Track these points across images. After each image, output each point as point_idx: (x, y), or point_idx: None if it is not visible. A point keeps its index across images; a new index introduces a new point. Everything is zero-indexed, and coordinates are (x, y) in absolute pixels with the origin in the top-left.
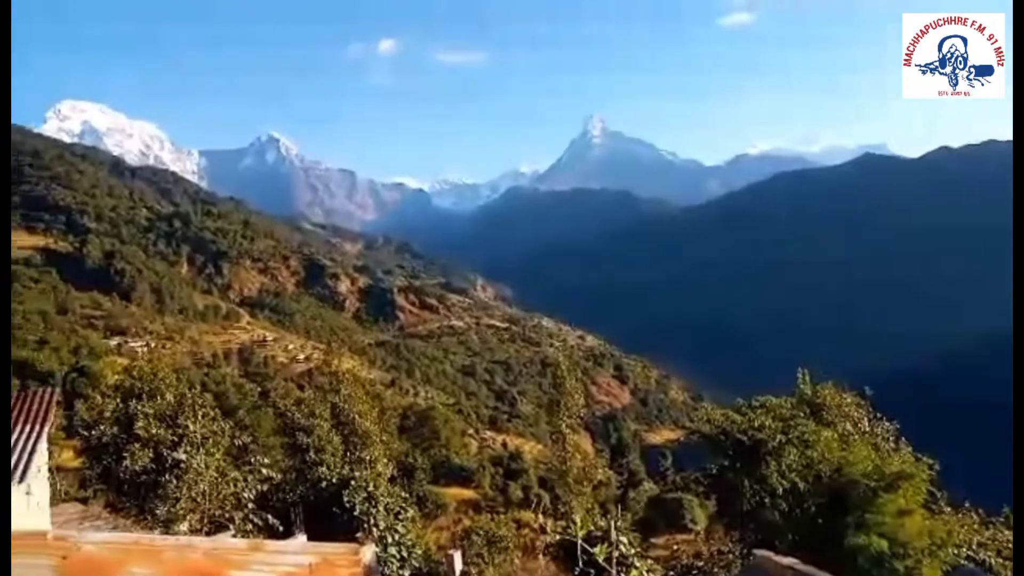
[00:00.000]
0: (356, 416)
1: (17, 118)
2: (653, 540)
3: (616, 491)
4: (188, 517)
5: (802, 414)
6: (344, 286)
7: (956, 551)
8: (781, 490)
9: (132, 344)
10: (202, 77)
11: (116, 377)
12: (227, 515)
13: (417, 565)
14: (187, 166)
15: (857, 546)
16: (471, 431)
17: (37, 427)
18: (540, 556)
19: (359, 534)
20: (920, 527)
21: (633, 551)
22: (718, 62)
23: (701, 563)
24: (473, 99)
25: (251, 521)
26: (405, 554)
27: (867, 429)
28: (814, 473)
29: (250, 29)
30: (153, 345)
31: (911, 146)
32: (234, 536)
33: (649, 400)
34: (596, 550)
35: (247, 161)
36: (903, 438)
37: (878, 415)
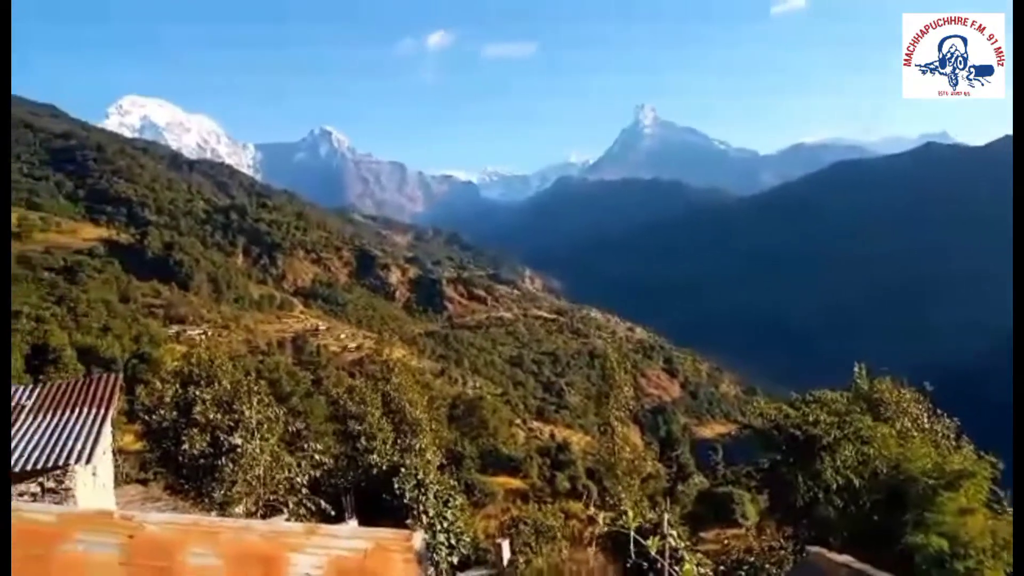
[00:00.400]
0: (406, 404)
1: (80, 113)
2: (702, 534)
3: (665, 484)
4: (243, 500)
5: (858, 409)
6: (394, 277)
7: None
8: (836, 486)
9: (190, 332)
10: (256, 72)
11: (175, 364)
12: (281, 499)
13: (465, 552)
14: (243, 159)
15: (915, 545)
16: (519, 421)
17: (102, 411)
18: (588, 547)
19: (409, 520)
20: (983, 527)
21: (683, 544)
22: (772, 49)
23: (752, 558)
24: (523, 91)
25: (304, 505)
26: (454, 541)
27: (926, 426)
28: (870, 470)
29: (304, 26)
30: (210, 333)
31: (974, 134)
32: (287, 520)
33: (700, 393)
34: (648, 542)
35: (300, 154)
36: (964, 435)
37: (938, 411)
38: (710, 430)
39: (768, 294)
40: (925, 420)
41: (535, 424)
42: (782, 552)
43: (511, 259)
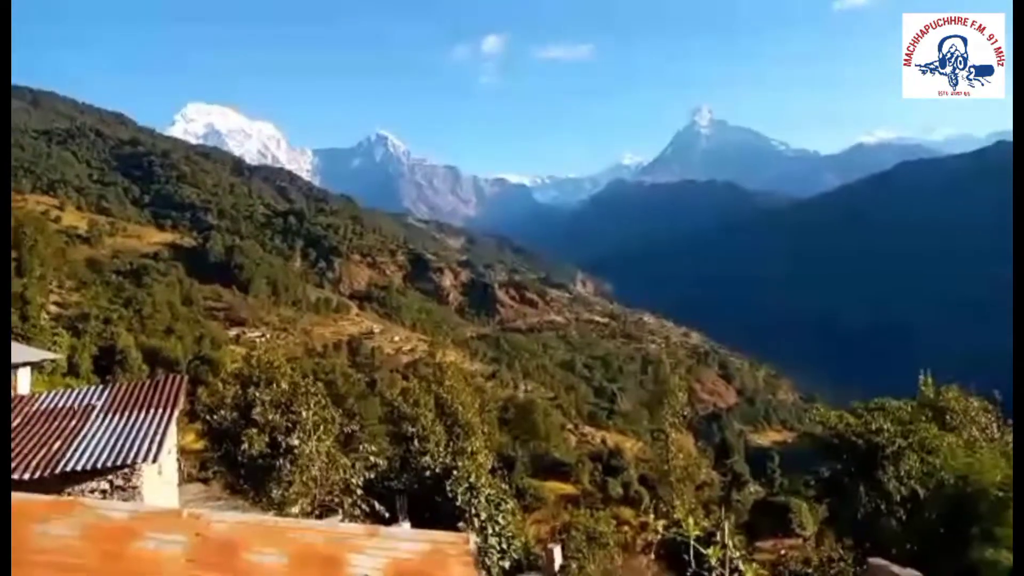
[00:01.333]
0: (459, 407)
1: (147, 120)
2: (758, 544)
3: (720, 492)
4: (300, 500)
5: (924, 418)
6: (447, 280)
7: None
8: (899, 497)
9: (250, 334)
10: (315, 79)
11: (236, 365)
12: (336, 500)
13: (517, 557)
14: (301, 165)
15: (983, 560)
16: (570, 426)
17: (168, 411)
18: (642, 554)
19: (460, 524)
20: None
21: (739, 554)
22: (832, 47)
23: (810, 570)
24: (576, 93)
25: (358, 506)
26: (505, 545)
27: (996, 436)
28: (936, 480)
29: (356, 30)
30: (268, 336)
31: None
32: (342, 520)
33: (756, 400)
34: (709, 551)
35: (357, 160)
36: None
37: (1008, 421)
38: (766, 438)
39: (828, 299)
40: (995, 430)
41: (587, 429)
42: (842, 564)
43: (563, 263)
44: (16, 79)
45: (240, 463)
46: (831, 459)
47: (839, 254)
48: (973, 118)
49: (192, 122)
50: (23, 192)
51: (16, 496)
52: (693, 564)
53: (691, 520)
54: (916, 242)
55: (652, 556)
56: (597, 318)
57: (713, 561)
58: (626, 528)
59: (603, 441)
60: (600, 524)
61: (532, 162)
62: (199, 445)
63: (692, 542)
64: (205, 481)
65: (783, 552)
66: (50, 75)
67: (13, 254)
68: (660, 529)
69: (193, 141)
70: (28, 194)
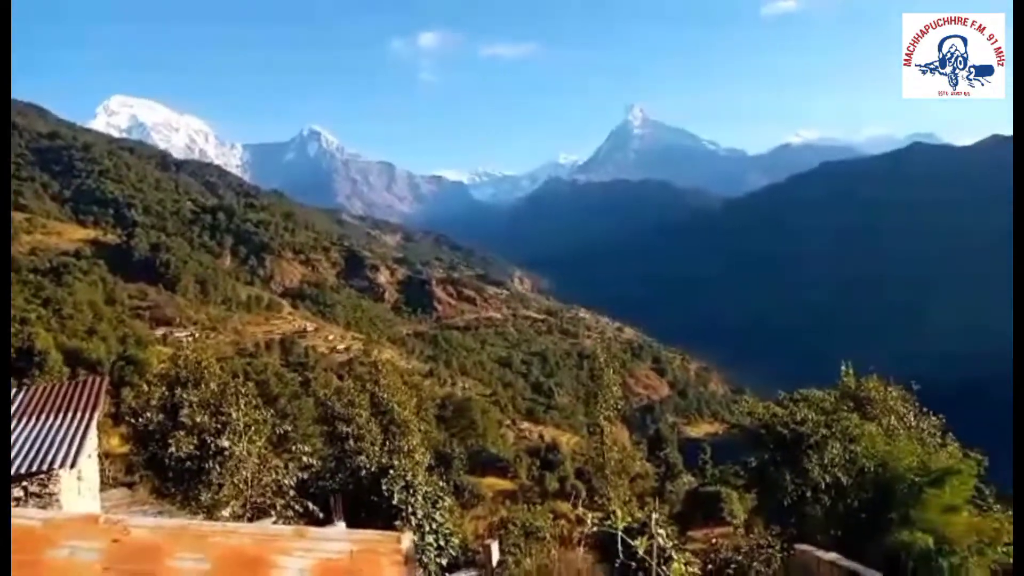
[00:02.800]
0: (395, 405)
1: (68, 114)
2: (691, 533)
3: (654, 483)
4: (231, 503)
5: (846, 408)
6: (383, 277)
7: (1005, 550)
8: (823, 484)
9: (177, 334)
10: (245, 72)
11: (162, 366)
12: (269, 502)
13: (454, 554)
14: (231, 160)
15: (901, 543)
16: (508, 422)
17: (88, 414)
18: (578, 547)
19: (397, 522)
20: (968, 524)
21: (671, 543)
22: (761, 50)
23: (740, 557)
24: (511, 92)
25: (292, 508)
26: (443, 543)
27: (913, 424)
28: (857, 468)
29: (291, 24)
30: (197, 335)
31: (962, 135)
32: (275, 522)
33: (688, 393)
34: (637, 542)
35: (289, 155)
36: (950, 433)
37: (924, 409)
38: (699, 429)
39: (756, 295)
40: (911, 418)
41: (524, 424)
42: (770, 550)
43: (501, 260)
44: None
45: (167, 466)
46: (759, 449)
47: (765, 252)
48: (895, 121)
49: (115, 115)
50: None
51: None
52: (621, 555)
53: (619, 512)
54: (838, 242)
55: (586, 549)
56: (534, 314)
57: (641, 551)
58: (563, 522)
59: (540, 436)
60: (537, 519)
61: (470, 159)
62: (124, 448)
63: (620, 534)
64: (130, 485)
65: (714, 540)
66: None
67: None
68: (591, 521)
69: (116, 135)
70: None
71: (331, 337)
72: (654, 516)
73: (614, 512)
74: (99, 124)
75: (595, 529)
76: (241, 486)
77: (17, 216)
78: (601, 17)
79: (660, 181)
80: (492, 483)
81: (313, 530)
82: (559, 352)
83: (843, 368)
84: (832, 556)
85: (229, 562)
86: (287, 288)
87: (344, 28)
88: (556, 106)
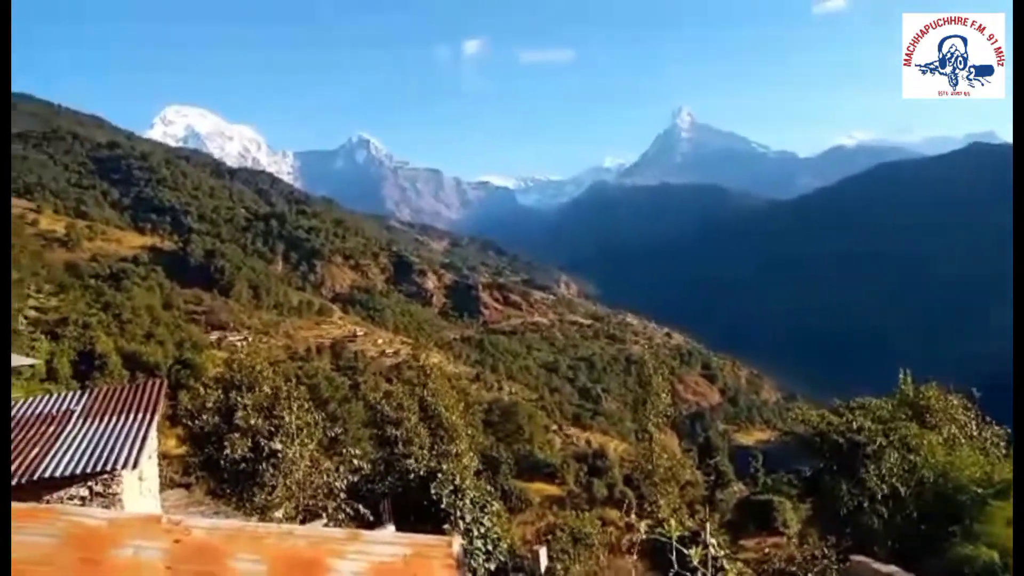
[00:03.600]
0: (443, 410)
1: (126, 123)
2: (742, 542)
3: (704, 491)
4: (284, 505)
5: (904, 416)
6: (431, 282)
7: None
8: (880, 495)
9: (231, 338)
10: (296, 81)
11: (217, 370)
12: (320, 504)
13: (502, 559)
14: (282, 167)
15: (964, 557)
16: (555, 427)
17: (148, 416)
18: (627, 555)
19: (446, 526)
20: None
21: (723, 553)
22: (812, 51)
23: (794, 568)
24: (558, 96)
25: (342, 510)
26: (491, 547)
27: (975, 433)
28: (916, 478)
29: (340, 33)
30: (250, 339)
31: None
32: (326, 525)
33: (739, 400)
34: (691, 552)
35: (339, 162)
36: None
37: (987, 419)
38: (750, 437)
39: (807, 299)
40: (973, 427)
41: (571, 430)
42: (825, 562)
43: (547, 264)
44: None
45: (222, 468)
46: (813, 457)
47: (816, 255)
48: (950, 120)
49: (171, 125)
50: None
51: None
52: (676, 564)
53: (673, 520)
54: (892, 244)
55: (636, 556)
56: (580, 319)
57: (695, 561)
58: (611, 529)
59: (588, 442)
60: (585, 525)
61: (515, 165)
62: (181, 450)
63: (674, 542)
64: (187, 486)
65: (767, 550)
66: (25, 77)
67: None
68: (642, 529)
69: (173, 144)
70: None
71: (380, 341)
72: (709, 525)
73: (665, 520)
74: (156, 134)
75: (645, 537)
76: (293, 488)
77: (78, 223)
78: (646, 20)
79: (708, 184)
80: (539, 488)
81: (366, 533)
82: (606, 357)
83: (901, 375)
84: (890, 569)
85: (285, 564)
86: (337, 293)
87: (390, 36)
88: (602, 110)
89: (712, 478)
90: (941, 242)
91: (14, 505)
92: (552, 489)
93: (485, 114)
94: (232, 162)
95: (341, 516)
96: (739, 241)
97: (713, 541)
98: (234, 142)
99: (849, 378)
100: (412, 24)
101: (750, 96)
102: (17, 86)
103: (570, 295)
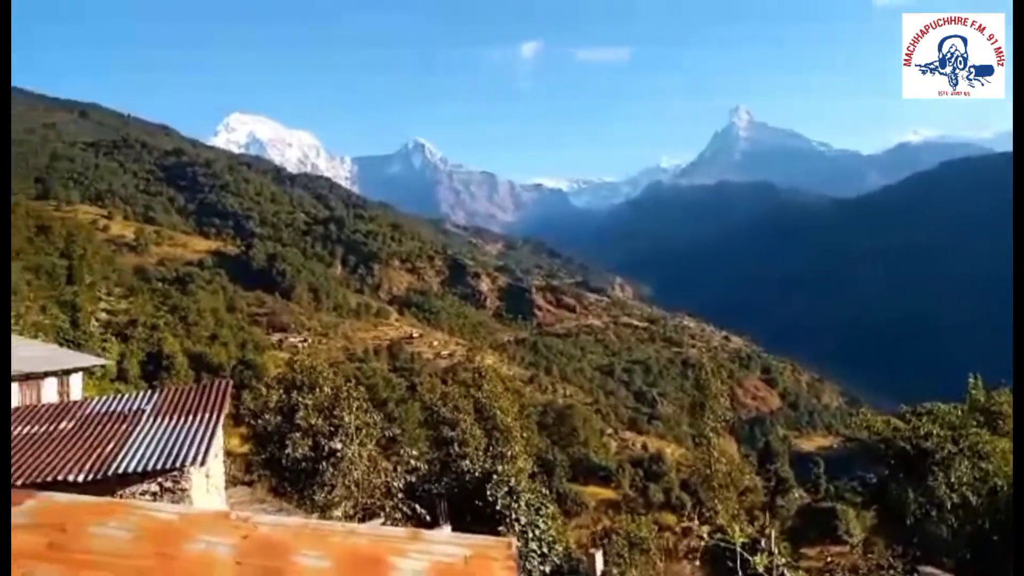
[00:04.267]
0: (498, 411)
1: (191, 131)
2: (804, 550)
3: (764, 498)
4: (343, 504)
5: (975, 422)
6: (485, 285)
7: None
8: (950, 504)
9: (292, 339)
10: (353, 87)
11: (279, 370)
12: (378, 503)
13: (557, 561)
14: (340, 172)
15: None
16: (610, 431)
17: (215, 415)
18: (684, 560)
19: (501, 528)
20: None
21: (784, 560)
22: (873, 44)
23: None
24: (613, 96)
25: (400, 510)
26: (546, 550)
27: None
28: (988, 487)
29: (395, 40)
30: (310, 341)
31: None
32: (383, 524)
33: (800, 404)
34: (756, 558)
35: (395, 166)
36: None
37: None
38: (811, 443)
39: (871, 300)
40: None
41: (627, 434)
42: (891, 572)
43: (601, 267)
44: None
45: (284, 466)
46: (878, 465)
47: (882, 255)
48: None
49: (234, 132)
50: (73, 202)
51: (70, 498)
52: (740, 571)
53: (736, 526)
54: (961, 242)
55: (696, 562)
56: (636, 322)
57: (760, 568)
58: (667, 534)
59: (644, 446)
60: (642, 529)
61: (569, 166)
62: (244, 448)
63: (739, 548)
64: (249, 484)
65: (829, 559)
66: (96, 87)
67: (64, 263)
68: (705, 535)
69: (235, 151)
70: (77, 204)
71: (435, 343)
72: (772, 532)
73: (723, 526)
74: (220, 141)
75: (704, 543)
76: (352, 487)
77: (146, 228)
78: (700, 18)
79: (767, 183)
80: (595, 492)
81: (427, 533)
82: (662, 361)
83: (971, 379)
84: None
85: (348, 561)
86: (394, 295)
87: (447, 41)
88: (658, 110)
89: (772, 484)
90: (1011, 241)
91: (90, 499)
92: (607, 493)
93: (539, 116)
94: (292, 168)
95: (398, 515)
96: (800, 241)
97: (776, 549)
98: (294, 148)
99: (915, 382)
100: (469, 29)
101: (809, 93)
102: (88, 96)
103: (625, 297)
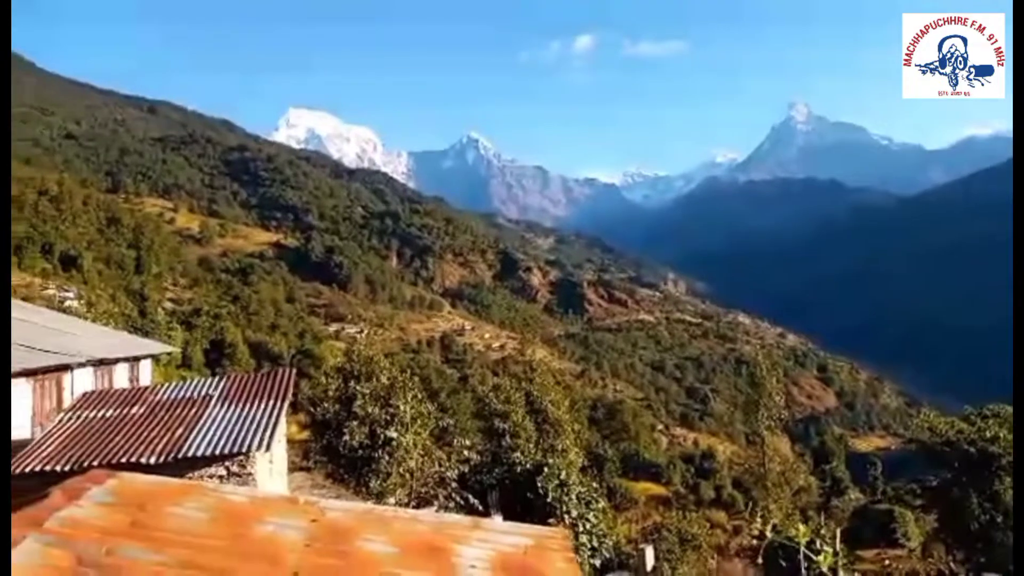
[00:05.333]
0: (549, 405)
1: (254, 127)
2: (859, 553)
3: (818, 498)
4: (397, 491)
5: None
6: (536, 279)
7: None
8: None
9: (348, 330)
10: (410, 82)
11: (336, 360)
12: (431, 492)
13: (608, 555)
14: (397, 167)
15: None
16: (660, 427)
17: (279, 402)
18: (736, 558)
19: (551, 520)
20: None
21: (841, 563)
22: None
23: None
24: (668, 90)
25: (453, 499)
26: (596, 543)
27: None
28: None
29: (451, 37)
30: (366, 331)
31: None
32: (437, 512)
33: (857, 404)
34: (820, 557)
35: (449, 162)
36: None
37: None
38: (868, 444)
39: (935, 299)
40: None
41: (678, 430)
42: None
43: (654, 262)
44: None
45: (341, 454)
46: (940, 467)
47: (946, 253)
48: None
49: (294, 127)
50: (141, 195)
51: (148, 479)
52: (805, 571)
53: (801, 526)
54: None
55: (746, 561)
56: (689, 318)
57: (824, 568)
58: (718, 531)
59: (695, 443)
60: (693, 526)
61: (623, 161)
62: (302, 435)
63: (803, 547)
64: (307, 470)
65: (887, 562)
66: (164, 83)
67: (133, 254)
68: (768, 532)
69: (295, 146)
70: (146, 197)
71: (487, 335)
72: (836, 531)
73: (779, 524)
74: (280, 136)
75: (760, 541)
76: (407, 475)
77: (210, 221)
78: (757, 11)
79: (826, 179)
80: (645, 488)
81: (487, 522)
82: (715, 357)
83: None
84: None
85: (413, 547)
86: (447, 288)
87: (502, 36)
88: (713, 104)
89: (827, 484)
90: None
91: (170, 481)
92: (657, 489)
93: (593, 110)
94: (350, 162)
95: (451, 505)
96: (859, 238)
97: (828, 549)
98: (352, 143)
99: (979, 383)
100: (525, 23)
101: (870, 85)
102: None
103: (678, 293)
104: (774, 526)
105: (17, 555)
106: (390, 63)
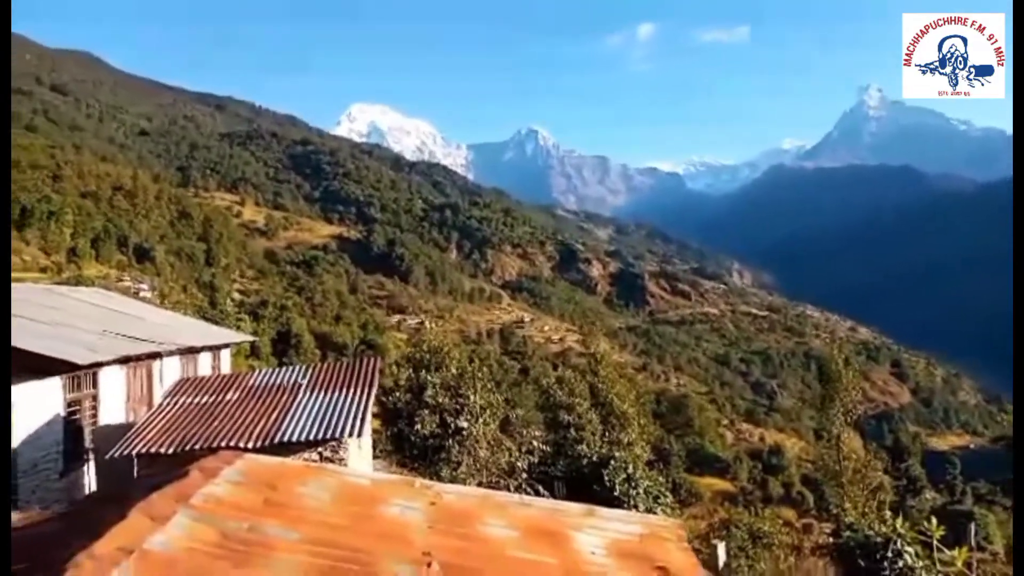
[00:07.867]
0: (614, 397)
1: (317, 121)
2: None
3: (893, 497)
4: (468, 481)
5: None
6: (595, 270)
7: None
8: None
9: (409, 321)
10: (469, 74)
11: (399, 350)
12: (501, 482)
13: None
14: (456, 160)
15: None
16: (726, 422)
17: (368, 389)
18: (811, 557)
19: None
20: None
21: (921, 564)
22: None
23: None
24: (732, 77)
25: (523, 490)
26: None
27: None
28: None
29: (511, 28)
30: (427, 323)
31: None
32: None
33: (934, 401)
34: (955, 552)
35: (508, 154)
36: None
37: None
38: (945, 442)
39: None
40: None
41: (744, 426)
42: None
43: (718, 253)
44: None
45: (412, 442)
46: None
47: None
48: None
49: (355, 121)
50: (210, 190)
51: (273, 460)
52: (937, 565)
53: (900, 522)
54: None
55: (825, 560)
56: (755, 311)
57: (960, 563)
58: (788, 529)
59: (762, 439)
60: (764, 523)
61: (685, 149)
62: (373, 424)
63: (935, 542)
64: (379, 458)
65: (973, 564)
66: (233, 80)
67: (203, 246)
68: (826, 532)
69: (357, 139)
70: (214, 191)
71: (546, 328)
72: (938, 531)
73: (856, 523)
74: (342, 130)
75: (837, 539)
76: (477, 465)
77: (276, 214)
78: None
79: (901, 165)
80: (710, 483)
81: (600, 510)
82: (783, 351)
83: None
84: None
85: (532, 531)
86: (506, 280)
87: (563, 27)
88: (779, 89)
89: (902, 483)
90: None
91: (293, 462)
92: (723, 484)
93: (655, 99)
94: (410, 155)
95: (522, 495)
96: (937, 227)
97: (909, 550)
98: (412, 136)
99: None
100: (587, 13)
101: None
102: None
103: (744, 285)
104: (850, 525)
105: (171, 528)
106: (450, 61)
